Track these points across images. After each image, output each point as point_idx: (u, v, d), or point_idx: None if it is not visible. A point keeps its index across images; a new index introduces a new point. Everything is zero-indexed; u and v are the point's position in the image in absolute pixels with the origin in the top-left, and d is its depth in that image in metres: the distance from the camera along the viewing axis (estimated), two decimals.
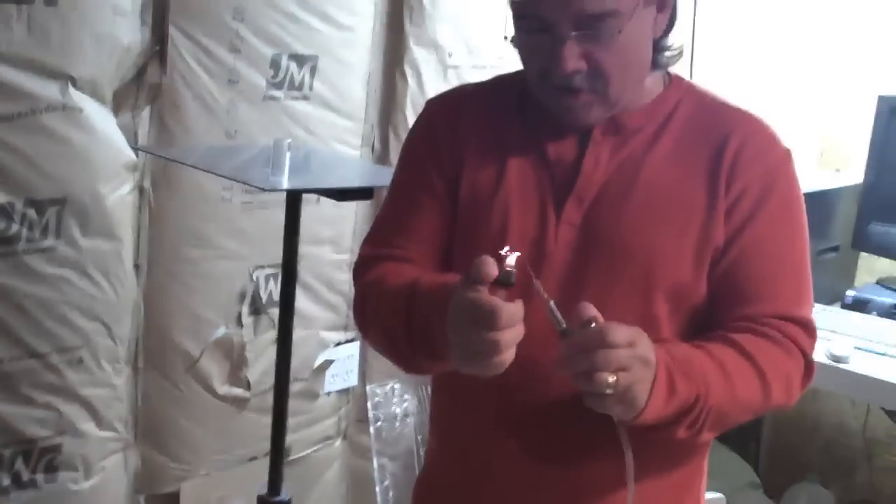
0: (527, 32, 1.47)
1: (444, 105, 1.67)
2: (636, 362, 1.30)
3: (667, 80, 1.59)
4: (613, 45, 1.41)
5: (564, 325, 1.31)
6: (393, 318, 1.50)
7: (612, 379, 1.27)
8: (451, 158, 1.59)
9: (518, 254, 1.29)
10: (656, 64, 1.55)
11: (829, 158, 3.56)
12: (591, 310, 1.31)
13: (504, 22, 1.49)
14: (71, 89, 2.35)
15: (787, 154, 1.55)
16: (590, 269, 1.48)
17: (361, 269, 1.65)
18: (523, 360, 1.33)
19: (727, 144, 1.50)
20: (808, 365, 1.52)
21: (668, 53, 1.56)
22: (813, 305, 1.57)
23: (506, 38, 1.51)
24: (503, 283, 1.29)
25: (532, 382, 1.47)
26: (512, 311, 1.27)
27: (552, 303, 1.32)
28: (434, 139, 1.62)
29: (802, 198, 1.56)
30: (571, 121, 1.52)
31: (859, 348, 2.66)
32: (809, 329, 1.52)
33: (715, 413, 1.40)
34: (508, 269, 1.29)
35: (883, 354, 2.65)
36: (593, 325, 1.30)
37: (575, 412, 1.38)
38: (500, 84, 1.67)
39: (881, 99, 3.06)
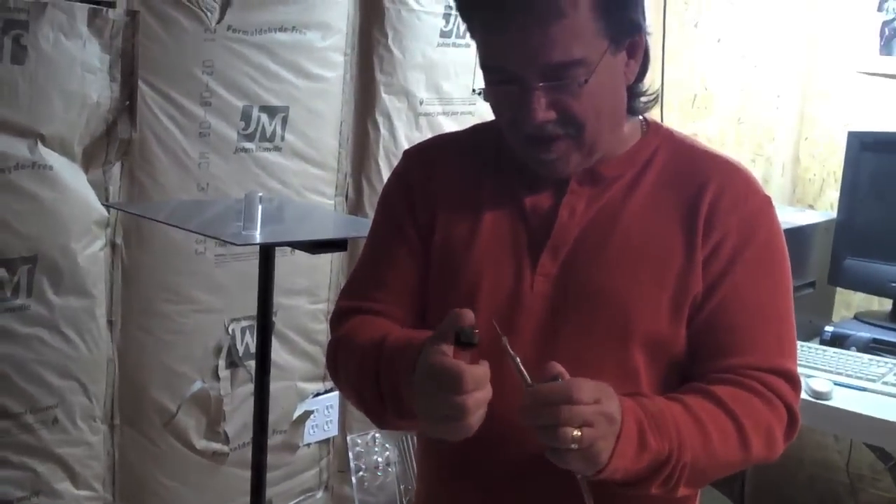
0: (495, 84, 1.45)
1: (419, 156, 1.66)
2: (601, 419, 1.28)
3: (644, 128, 1.57)
4: (582, 93, 1.40)
5: (531, 383, 1.30)
6: (362, 376, 1.49)
7: (576, 433, 1.25)
8: (426, 210, 1.58)
9: (470, 312, 1.30)
10: (632, 110, 1.54)
11: (802, 194, 3.58)
12: (556, 368, 1.30)
13: (473, 73, 1.49)
14: (40, 147, 2.34)
15: (765, 201, 1.52)
16: (566, 321, 1.46)
17: (336, 322, 1.64)
18: (494, 417, 1.31)
19: (704, 192, 1.48)
20: (792, 417, 1.48)
21: (643, 99, 1.55)
22: (797, 356, 1.53)
23: (475, 91, 1.50)
24: (466, 343, 1.28)
25: (502, 439, 1.44)
26: (477, 373, 1.26)
27: (518, 360, 1.31)
28: (408, 191, 1.61)
29: (784, 246, 1.53)
30: (549, 174, 1.50)
31: (840, 384, 2.65)
32: (793, 381, 1.49)
33: (690, 469, 1.37)
34: (469, 328, 1.28)
35: (863, 389, 2.64)
36: (559, 381, 1.29)
37: (546, 470, 1.34)
38: (478, 133, 1.65)
39: (851, 135, 3.08)
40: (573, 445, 1.26)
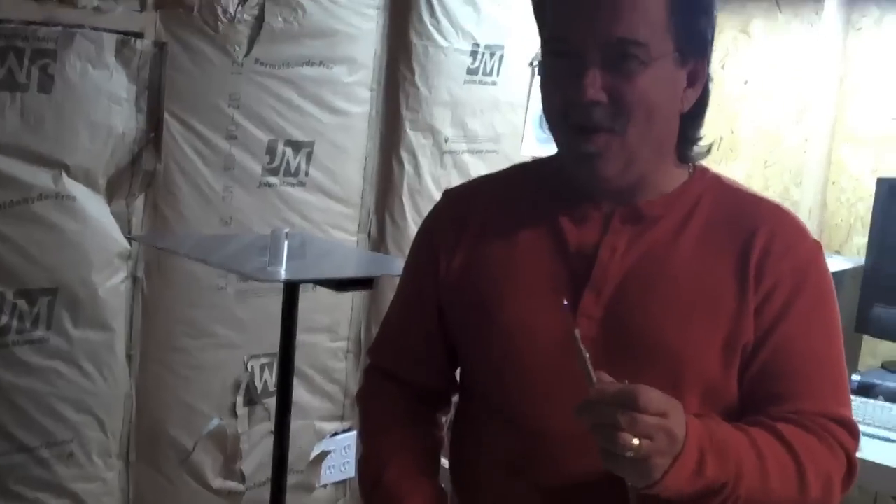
0: (554, 56, 1.43)
1: (454, 199, 1.64)
2: (661, 434, 1.25)
3: (691, 171, 1.55)
4: (637, 81, 1.38)
5: (595, 381, 1.27)
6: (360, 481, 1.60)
7: (634, 441, 1.22)
8: (455, 251, 1.56)
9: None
10: (684, 157, 1.52)
11: (828, 240, 3.54)
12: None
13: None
14: (64, 177, 2.33)
15: (816, 247, 1.50)
16: (613, 365, 1.42)
17: (365, 376, 1.72)
18: (554, 432, 1.33)
19: (755, 239, 1.46)
20: (851, 466, 1.45)
21: (696, 148, 1.53)
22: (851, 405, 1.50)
23: (531, 64, 1.48)
24: None
25: (561, 455, 1.43)
26: None
27: (587, 355, 1.28)
28: (436, 235, 1.60)
29: (834, 291, 1.51)
30: (588, 174, 1.46)
31: (866, 434, 2.60)
32: (852, 429, 1.46)
33: (744, 502, 1.34)
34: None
35: (891, 441, 2.59)
36: (626, 382, 1.26)
37: (605, 487, 1.35)
38: (517, 172, 1.64)
39: (880, 181, 3.04)
40: (628, 453, 1.23)
